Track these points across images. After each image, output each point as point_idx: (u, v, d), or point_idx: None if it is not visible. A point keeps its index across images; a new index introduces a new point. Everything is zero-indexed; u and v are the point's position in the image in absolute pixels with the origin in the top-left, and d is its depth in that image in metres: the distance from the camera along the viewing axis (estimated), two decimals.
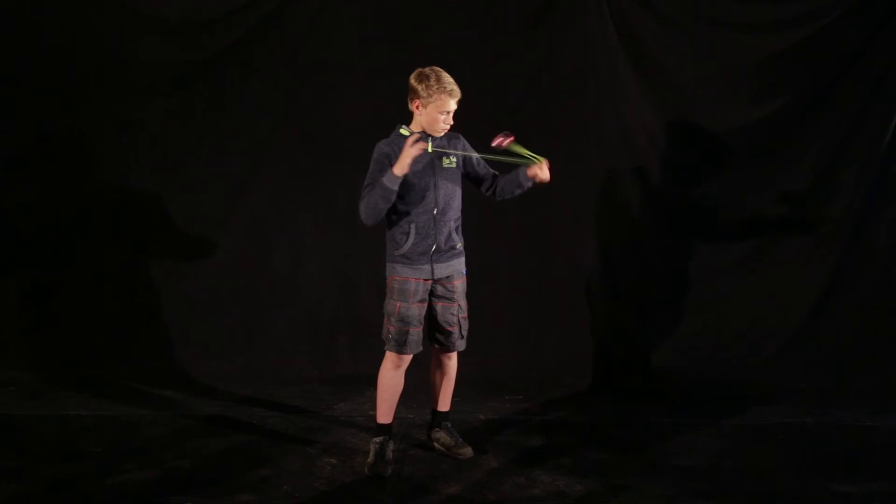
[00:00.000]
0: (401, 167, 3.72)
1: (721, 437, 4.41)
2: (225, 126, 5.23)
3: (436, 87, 3.79)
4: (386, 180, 3.73)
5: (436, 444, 4.16)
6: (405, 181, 3.82)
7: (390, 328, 3.93)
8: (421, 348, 3.99)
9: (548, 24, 5.20)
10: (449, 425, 4.18)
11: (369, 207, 3.79)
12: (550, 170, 3.93)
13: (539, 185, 3.97)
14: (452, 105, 3.84)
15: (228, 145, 5.25)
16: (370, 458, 3.93)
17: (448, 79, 3.82)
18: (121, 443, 4.19)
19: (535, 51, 5.22)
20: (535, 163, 3.90)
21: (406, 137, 3.85)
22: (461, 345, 4.08)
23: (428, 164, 3.88)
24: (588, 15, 5.15)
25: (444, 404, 4.19)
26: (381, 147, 3.89)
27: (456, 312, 4.01)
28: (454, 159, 3.95)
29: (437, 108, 3.81)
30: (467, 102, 3.94)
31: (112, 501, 3.59)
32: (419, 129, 3.90)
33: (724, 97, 5.20)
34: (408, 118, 3.94)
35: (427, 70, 3.85)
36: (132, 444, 4.17)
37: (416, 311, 3.93)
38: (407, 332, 3.91)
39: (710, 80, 5.19)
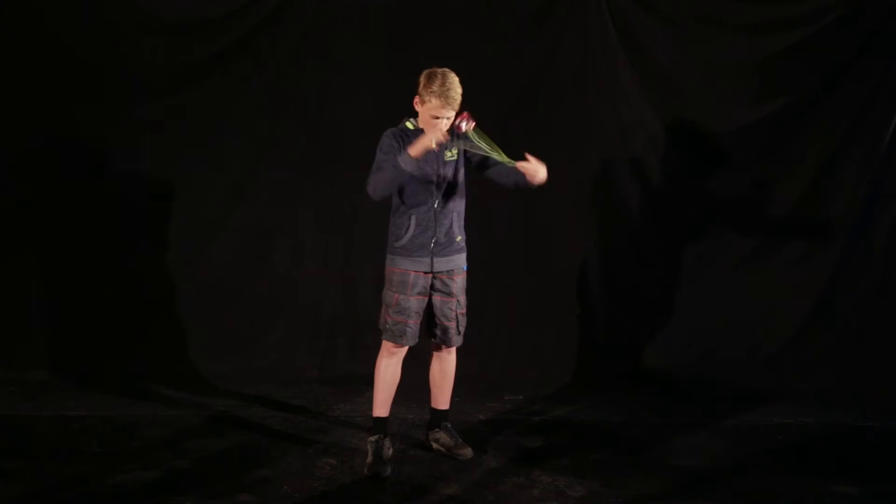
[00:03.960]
0: (416, 150, 3.69)
1: (721, 437, 4.41)
2: (225, 126, 5.22)
3: (434, 89, 3.74)
4: (401, 161, 3.70)
5: (434, 444, 4.15)
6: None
7: (388, 318, 3.94)
8: (417, 340, 3.99)
9: (547, 24, 5.20)
10: (448, 425, 4.17)
11: (381, 182, 3.78)
12: (549, 171, 3.91)
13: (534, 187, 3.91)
14: (444, 112, 3.75)
15: (229, 145, 5.25)
16: (369, 458, 3.93)
17: (450, 86, 3.74)
18: (121, 443, 4.19)
19: (535, 51, 5.22)
20: (508, 162, 3.83)
21: (411, 131, 3.87)
22: (458, 340, 4.07)
23: (431, 157, 3.86)
24: (588, 15, 5.16)
25: (444, 403, 4.18)
26: (389, 136, 3.89)
27: (454, 308, 4.00)
28: (456, 152, 3.93)
29: (429, 110, 3.78)
30: (467, 103, 3.93)
31: (112, 501, 3.59)
32: (422, 126, 3.89)
33: (724, 97, 5.20)
34: (415, 112, 3.92)
35: (438, 71, 3.79)
36: (132, 444, 4.17)
37: (415, 303, 3.93)
38: (405, 324, 3.91)
39: (710, 80, 5.19)
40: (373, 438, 3.97)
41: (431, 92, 3.74)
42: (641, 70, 5.20)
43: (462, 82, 3.86)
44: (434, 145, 3.72)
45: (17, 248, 5.23)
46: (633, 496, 3.70)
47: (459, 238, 3.99)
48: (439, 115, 3.76)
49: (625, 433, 4.47)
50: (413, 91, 3.85)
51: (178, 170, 5.22)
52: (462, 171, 3.98)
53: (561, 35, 5.20)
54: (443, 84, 3.73)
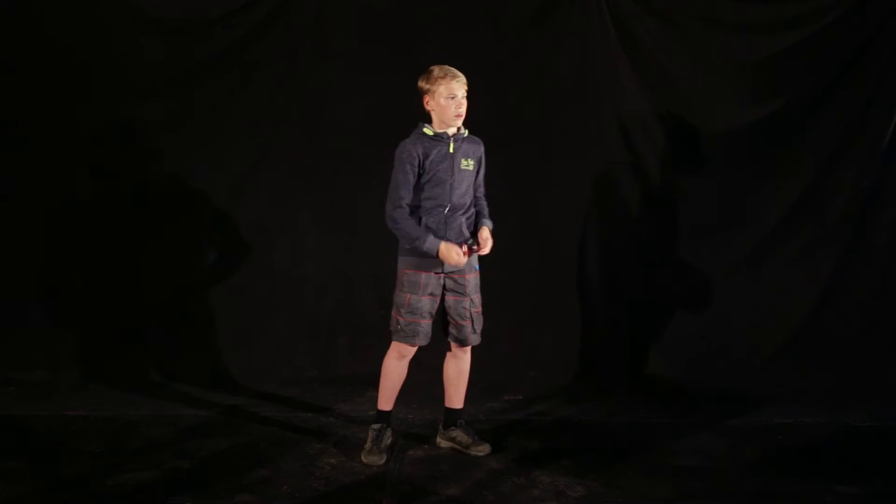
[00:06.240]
0: (442, 255, 3.84)
1: (721, 437, 4.41)
2: (225, 126, 5.22)
3: (437, 74, 3.88)
4: (428, 245, 3.83)
5: (449, 443, 4.14)
6: (425, 177, 3.90)
7: (399, 319, 3.97)
8: (429, 340, 4.01)
9: (548, 24, 5.20)
10: (464, 423, 4.19)
11: (398, 232, 3.90)
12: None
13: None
14: (457, 89, 3.89)
15: (229, 145, 5.24)
16: (367, 445, 4.00)
17: (449, 67, 3.91)
18: (121, 443, 4.19)
19: (535, 51, 5.22)
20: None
21: (429, 136, 3.92)
22: (475, 339, 4.10)
23: (448, 163, 3.93)
24: (588, 15, 5.14)
25: (459, 401, 4.19)
26: (408, 146, 3.93)
27: (468, 307, 4.04)
28: (471, 162, 4.01)
29: (444, 94, 3.87)
30: (468, 103, 3.93)
31: (112, 501, 3.59)
32: (440, 128, 3.94)
33: (724, 97, 5.20)
34: (425, 117, 3.98)
35: (430, 67, 3.93)
36: (132, 444, 4.17)
37: (427, 303, 3.96)
38: (417, 324, 3.95)
39: (709, 80, 5.18)
40: (376, 426, 4.06)
41: (434, 78, 3.88)
42: (641, 70, 5.19)
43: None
44: (455, 259, 3.86)
45: (17, 247, 5.22)
46: (633, 496, 3.70)
47: (470, 240, 4.02)
48: (456, 94, 3.89)
49: (625, 433, 4.47)
50: (412, 94, 3.91)
51: (178, 170, 5.22)
52: (477, 180, 4.07)
53: (561, 35, 5.19)
54: (440, 67, 3.91)
